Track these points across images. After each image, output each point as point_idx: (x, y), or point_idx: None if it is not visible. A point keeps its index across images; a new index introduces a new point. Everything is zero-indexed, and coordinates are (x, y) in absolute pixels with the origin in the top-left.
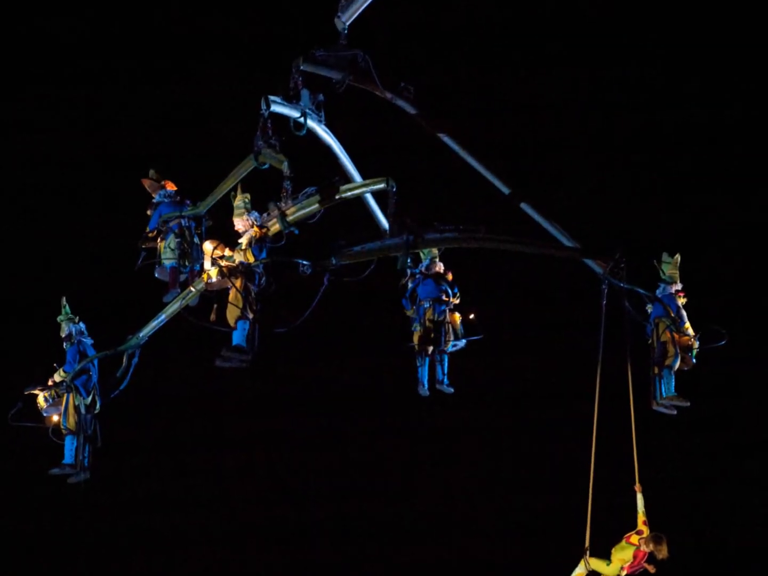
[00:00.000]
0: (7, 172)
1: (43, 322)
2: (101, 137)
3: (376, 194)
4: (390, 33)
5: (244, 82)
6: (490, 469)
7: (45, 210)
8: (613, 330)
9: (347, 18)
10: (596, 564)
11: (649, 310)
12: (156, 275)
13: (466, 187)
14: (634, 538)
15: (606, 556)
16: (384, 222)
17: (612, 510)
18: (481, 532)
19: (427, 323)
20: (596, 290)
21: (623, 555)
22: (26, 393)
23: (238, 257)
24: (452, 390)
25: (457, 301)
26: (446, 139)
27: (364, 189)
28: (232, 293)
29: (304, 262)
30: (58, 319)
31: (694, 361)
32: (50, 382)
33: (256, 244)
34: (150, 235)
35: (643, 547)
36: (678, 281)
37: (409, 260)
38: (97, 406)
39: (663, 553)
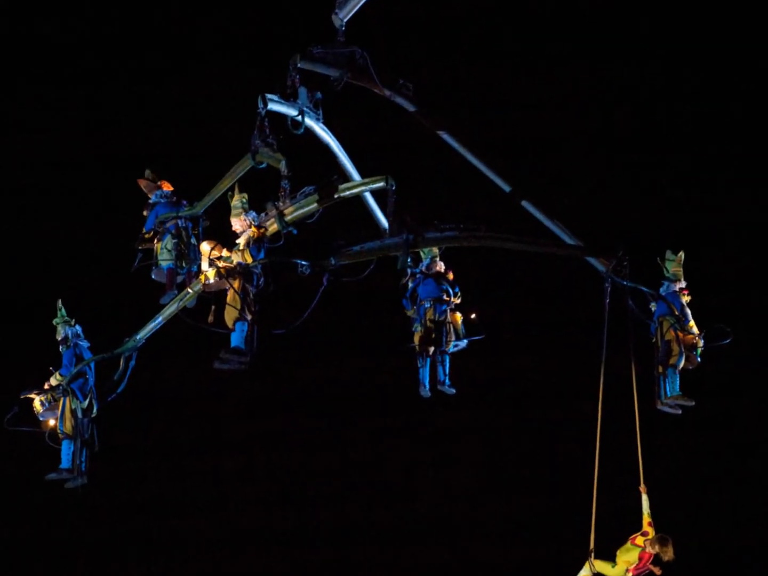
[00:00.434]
0: (1, 173)
1: (38, 325)
2: (96, 137)
3: (375, 193)
4: (388, 29)
5: (241, 81)
6: (493, 471)
7: (40, 211)
8: (616, 329)
9: (345, 14)
10: (601, 566)
11: (652, 309)
12: (153, 277)
13: (467, 185)
14: (640, 540)
15: (611, 558)
16: (383, 221)
17: (617, 511)
18: (484, 534)
19: (428, 323)
20: (599, 289)
21: (628, 557)
22: (22, 397)
23: (236, 258)
24: (454, 391)
25: (458, 301)
26: (446, 136)
27: (363, 188)
28: (230, 294)
29: (303, 263)
30: (54, 321)
31: (698, 359)
32: (46, 386)
33: (254, 244)
34: (146, 236)
35: (649, 549)
36: (682, 279)
37: (409, 260)
38: (94, 410)
39: (669, 554)
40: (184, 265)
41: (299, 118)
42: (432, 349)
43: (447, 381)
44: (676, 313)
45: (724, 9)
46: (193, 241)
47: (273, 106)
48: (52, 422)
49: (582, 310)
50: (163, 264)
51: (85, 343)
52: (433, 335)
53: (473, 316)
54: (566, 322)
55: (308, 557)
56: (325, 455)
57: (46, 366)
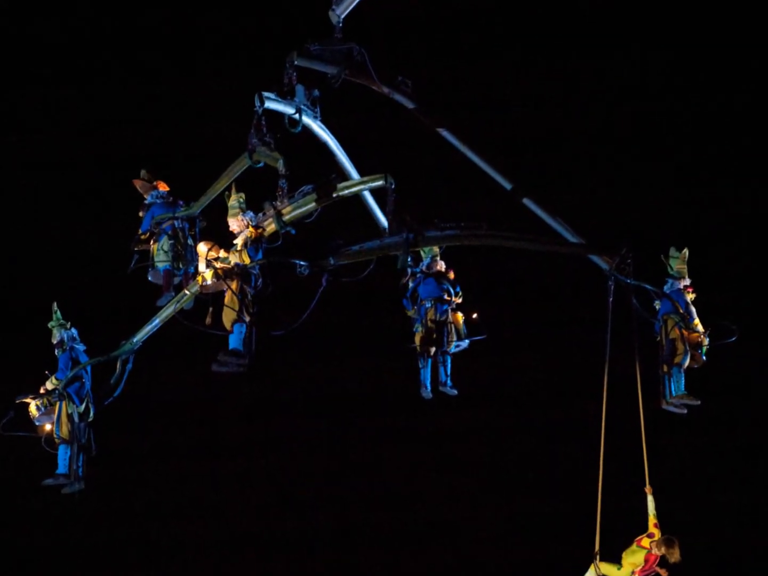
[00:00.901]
0: None
1: (33, 328)
2: (91, 137)
3: (374, 192)
4: (386, 25)
5: (237, 79)
6: (495, 472)
7: (33, 212)
8: (620, 328)
9: (342, 11)
10: (607, 569)
11: (657, 307)
12: (149, 278)
13: (467, 183)
14: (646, 542)
15: (617, 560)
16: (383, 220)
17: (622, 513)
18: (487, 536)
19: (429, 324)
20: (602, 287)
21: (634, 559)
22: (18, 402)
23: (234, 259)
24: (456, 392)
25: (459, 301)
26: (446, 133)
27: (362, 186)
28: (227, 296)
29: (302, 263)
30: (49, 325)
31: (704, 358)
32: (42, 390)
33: (252, 244)
34: (142, 237)
35: (655, 551)
36: (686, 276)
37: (409, 259)
38: (91, 414)
39: (675, 556)
40: (180, 266)
41: (296, 116)
42: (433, 349)
43: (448, 382)
44: (681, 311)
45: (730, 2)
46: (190, 242)
47: (270, 105)
48: (48, 427)
49: (585, 309)
50: (160, 265)
51: (81, 347)
52: (434, 335)
53: (475, 315)
54: (569, 322)
55: (309, 561)
56: (325, 458)
57: (42, 370)
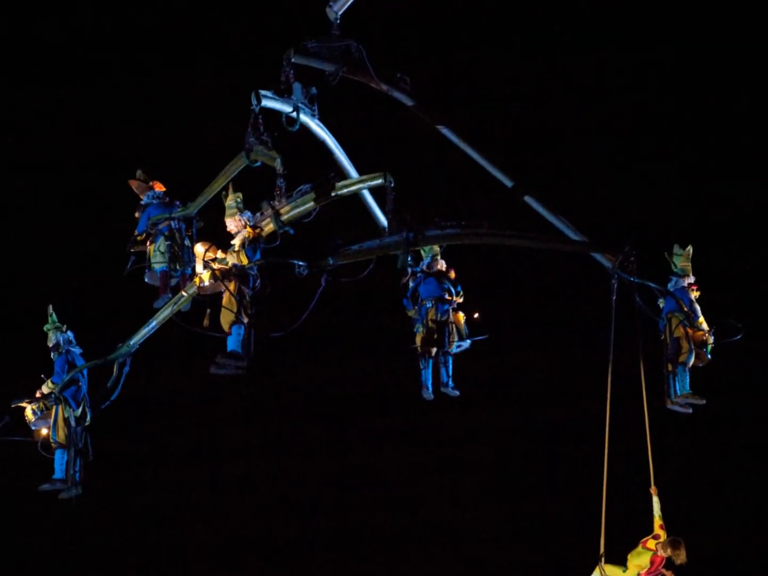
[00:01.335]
0: None
1: (29, 332)
2: (86, 137)
3: (373, 190)
4: (384, 22)
5: (234, 77)
6: (498, 473)
7: (28, 214)
8: (624, 326)
9: (339, 7)
10: (612, 571)
11: (661, 305)
12: (146, 280)
13: (468, 181)
14: (651, 543)
15: (622, 562)
16: (382, 219)
17: (627, 514)
18: (489, 538)
19: (430, 324)
20: (605, 285)
21: (640, 561)
22: (13, 406)
23: (232, 259)
24: (457, 393)
25: (460, 300)
26: (445, 131)
27: (360, 185)
28: (225, 297)
29: (300, 263)
30: (45, 328)
31: (709, 356)
32: (38, 394)
33: (250, 245)
34: (139, 238)
35: (661, 552)
36: (690, 274)
37: (409, 258)
38: (88, 418)
39: (681, 557)
40: (177, 267)
41: (294, 114)
42: (434, 350)
43: (450, 382)
44: (685, 309)
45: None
46: (187, 242)
47: (267, 103)
48: (44, 431)
49: (588, 308)
50: (157, 267)
51: (77, 350)
52: (436, 336)
53: (476, 315)
54: (572, 321)
55: (309, 564)
56: (325, 460)
57: (38, 374)
